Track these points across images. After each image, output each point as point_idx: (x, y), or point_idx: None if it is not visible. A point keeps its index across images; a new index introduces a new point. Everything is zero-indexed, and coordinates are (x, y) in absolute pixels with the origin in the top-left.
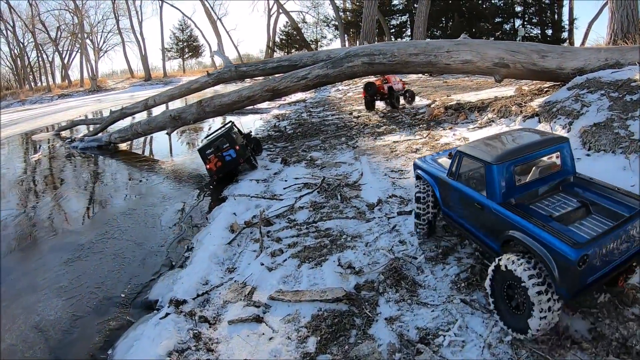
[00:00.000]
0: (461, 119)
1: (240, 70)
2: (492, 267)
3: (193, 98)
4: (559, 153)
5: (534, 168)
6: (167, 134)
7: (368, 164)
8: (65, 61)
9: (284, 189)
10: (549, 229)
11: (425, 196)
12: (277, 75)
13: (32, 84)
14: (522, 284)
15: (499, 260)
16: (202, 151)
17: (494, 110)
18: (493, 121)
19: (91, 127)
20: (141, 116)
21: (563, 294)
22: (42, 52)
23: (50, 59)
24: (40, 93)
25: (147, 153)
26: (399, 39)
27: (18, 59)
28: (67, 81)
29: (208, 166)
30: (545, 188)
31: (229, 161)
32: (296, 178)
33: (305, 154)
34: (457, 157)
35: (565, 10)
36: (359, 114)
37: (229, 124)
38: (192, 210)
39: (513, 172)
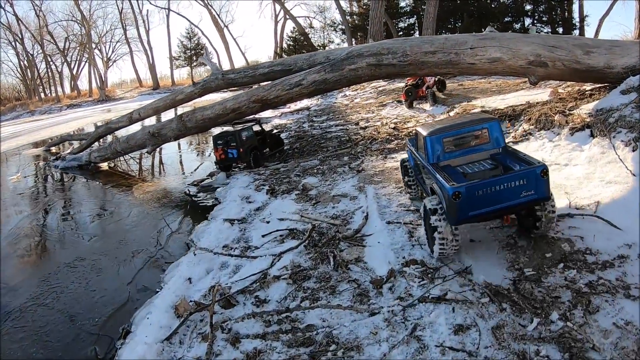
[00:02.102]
0: None
1: (227, 78)
2: (422, 207)
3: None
4: (487, 130)
5: (467, 140)
6: (147, 152)
7: (375, 198)
8: (74, 71)
9: (263, 236)
10: (446, 178)
11: (410, 167)
12: (266, 83)
13: (42, 94)
14: (429, 213)
15: (424, 202)
16: (215, 138)
17: (530, 119)
18: (531, 134)
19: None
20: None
21: (450, 220)
22: (51, 62)
23: (59, 69)
24: (49, 103)
25: (132, 172)
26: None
27: (27, 70)
28: (76, 91)
29: (214, 154)
30: (475, 155)
31: (230, 158)
32: (281, 219)
33: (299, 179)
34: (415, 133)
35: (576, 7)
36: (366, 124)
37: (252, 124)
38: (146, 265)
39: (442, 142)
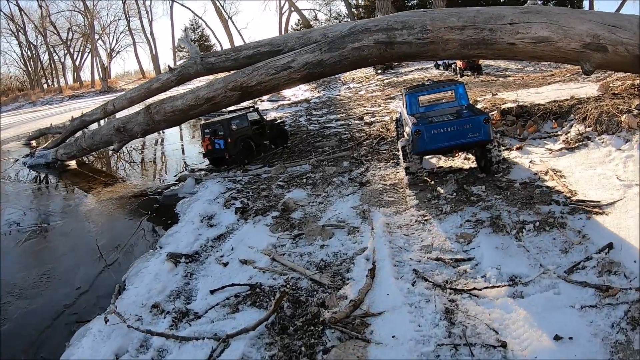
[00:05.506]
0: (530, 131)
1: (207, 62)
2: (399, 146)
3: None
4: (453, 91)
5: (438, 98)
6: (113, 150)
7: (386, 232)
8: (77, 62)
9: (212, 292)
10: (414, 122)
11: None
12: (248, 67)
13: (45, 85)
14: (400, 148)
15: (398, 142)
16: (203, 127)
17: (584, 119)
18: (589, 138)
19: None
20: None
21: (413, 151)
22: (54, 53)
23: (62, 60)
24: (51, 94)
25: (104, 169)
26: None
27: (30, 60)
28: (78, 82)
29: (201, 144)
30: (443, 109)
31: (217, 149)
32: (244, 262)
33: (282, 192)
34: (402, 94)
35: (586, 5)
36: (372, 119)
37: (247, 111)
38: (57, 320)
39: (418, 98)
